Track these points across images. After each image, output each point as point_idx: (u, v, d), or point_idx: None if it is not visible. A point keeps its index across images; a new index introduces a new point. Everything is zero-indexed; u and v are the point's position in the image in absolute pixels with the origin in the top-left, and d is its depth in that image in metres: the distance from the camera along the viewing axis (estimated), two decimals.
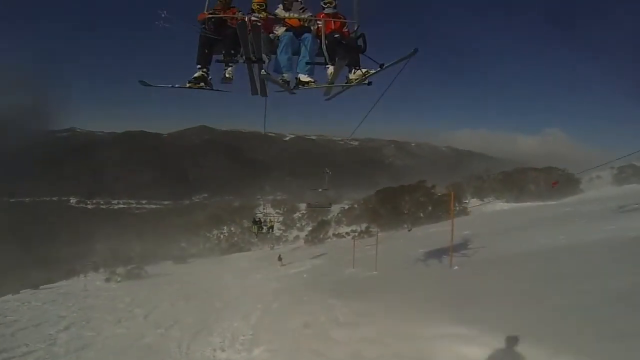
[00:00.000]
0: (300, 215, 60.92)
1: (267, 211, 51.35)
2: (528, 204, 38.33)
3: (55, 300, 16.94)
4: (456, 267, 10.62)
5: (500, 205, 40.39)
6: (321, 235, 43.78)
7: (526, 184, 44.70)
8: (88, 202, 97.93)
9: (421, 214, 41.74)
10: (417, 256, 15.79)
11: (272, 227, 24.41)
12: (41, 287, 22.31)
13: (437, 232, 25.19)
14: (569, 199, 36.61)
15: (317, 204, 23.30)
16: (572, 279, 7.20)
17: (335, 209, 52.97)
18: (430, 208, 41.93)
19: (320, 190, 22.06)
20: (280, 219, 60.52)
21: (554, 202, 36.42)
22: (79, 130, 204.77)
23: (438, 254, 14.70)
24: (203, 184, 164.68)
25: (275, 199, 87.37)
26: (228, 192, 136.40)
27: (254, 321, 10.16)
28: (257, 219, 24.00)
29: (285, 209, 69.30)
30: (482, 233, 18.86)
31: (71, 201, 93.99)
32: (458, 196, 43.22)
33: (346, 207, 54.28)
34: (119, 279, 24.41)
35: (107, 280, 24.17)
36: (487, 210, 37.74)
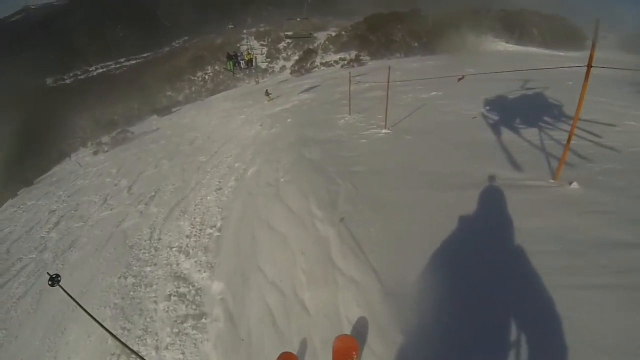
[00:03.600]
0: (285, 45, 55.55)
1: (251, 44, 46.70)
2: (533, 48, 33.30)
3: (48, 192, 16.47)
4: (574, 185, 4.68)
5: (504, 45, 35.20)
6: (308, 65, 39.80)
7: (529, 27, 38.54)
8: (65, 77, 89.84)
9: (415, 44, 37.11)
10: (438, 106, 11.41)
11: (250, 60, 21.37)
12: (35, 181, 21.18)
13: (435, 67, 21.57)
14: (575, 54, 30.04)
15: (296, 34, 19.96)
16: None
17: (322, 36, 47.85)
18: (424, 39, 37.07)
19: (299, 19, 18.79)
20: (265, 50, 55.66)
21: (561, 53, 31.01)
22: (33, 7, 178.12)
23: (469, 105, 10.58)
24: (182, 27, 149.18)
25: (259, 30, 79.14)
26: (209, 30, 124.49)
27: (226, 198, 8.70)
28: (233, 53, 20.75)
29: (270, 40, 63.33)
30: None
31: (47, 82, 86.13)
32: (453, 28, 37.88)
33: (333, 34, 48.29)
34: (105, 149, 23.03)
35: (95, 153, 22.88)
36: (488, 49, 32.82)
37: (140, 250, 7.52)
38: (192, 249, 6.84)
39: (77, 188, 15.60)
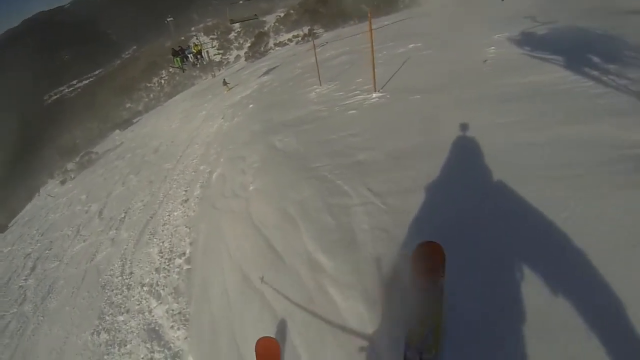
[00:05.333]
0: (236, 34, 52.70)
1: (200, 40, 44.26)
2: None
3: (22, 234, 15.19)
4: None
5: None
6: (262, 48, 38.08)
7: None
8: (20, 112, 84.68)
9: (368, 9, 35.18)
10: (426, 57, 9.23)
11: (200, 52, 19.65)
12: (9, 225, 19.49)
13: (393, 24, 18.80)
14: None
15: (242, 18, 18.54)
16: None
17: (271, 18, 45.44)
18: (376, 2, 34.68)
19: (241, 1, 17.45)
20: (216, 43, 52.84)
21: None
22: None
23: (462, 52, 8.23)
24: (129, 37, 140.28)
25: (207, 25, 75.08)
26: (157, 35, 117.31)
27: (193, 213, 7.36)
28: (178, 48, 19.01)
29: (219, 32, 60.01)
30: None
31: (1, 120, 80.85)
32: None
33: (282, 14, 45.63)
34: (72, 176, 21.41)
35: (63, 182, 21.25)
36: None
37: (113, 290, 6.48)
38: (163, 289, 5.62)
39: (49, 223, 14.40)
